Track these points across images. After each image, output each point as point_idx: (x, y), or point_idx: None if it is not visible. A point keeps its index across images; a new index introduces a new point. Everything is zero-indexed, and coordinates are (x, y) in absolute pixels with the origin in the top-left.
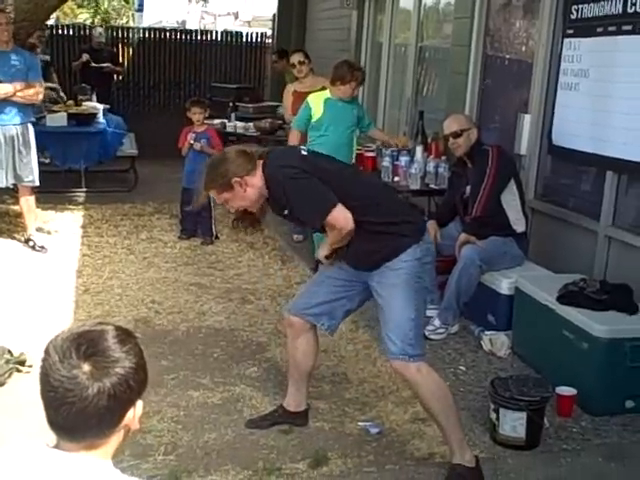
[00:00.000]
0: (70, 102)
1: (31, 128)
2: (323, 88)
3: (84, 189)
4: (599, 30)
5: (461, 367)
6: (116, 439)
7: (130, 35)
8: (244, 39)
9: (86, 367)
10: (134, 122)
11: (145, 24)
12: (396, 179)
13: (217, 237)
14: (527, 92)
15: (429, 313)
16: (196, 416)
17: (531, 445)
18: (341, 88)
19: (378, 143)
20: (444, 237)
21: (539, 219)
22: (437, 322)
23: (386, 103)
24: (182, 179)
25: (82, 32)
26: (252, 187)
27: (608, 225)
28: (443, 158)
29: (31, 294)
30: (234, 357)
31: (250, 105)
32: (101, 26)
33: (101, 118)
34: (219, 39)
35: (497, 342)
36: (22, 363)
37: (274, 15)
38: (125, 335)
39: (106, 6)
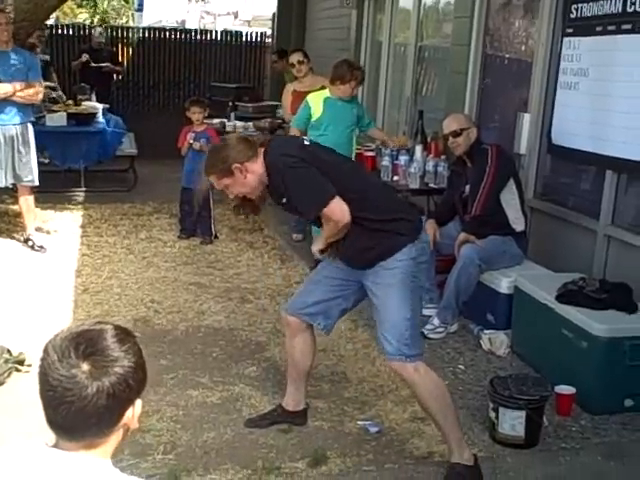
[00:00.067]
0: (69, 102)
1: (31, 128)
2: (322, 87)
3: (83, 189)
4: (599, 29)
5: (460, 366)
6: (115, 438)
7: (130, 35)
8: (244, 39)
9: (85, 366)
10: (133, 122)
11: (145, 24)
12: (395, 178)
13: (216, 237)
14: (527, 91)
15: (428, 312)
16: (195, 415)
17: (530, 444)
18: (341, 87)
19: (377, 142)
20: (443, 236)
21: (538, 218)
22: (436, 321)
23: (385, 102)
24: (181, 179)
25: (82, 32)
26: (252, 174)
27: (607, 224)
28: (442, 157)
29: (30, 294)
30: (233, 356)
31: (249, 105)
32: (100, 26)
33: (100, 118)
34: (219, 39)
35: (496, 341)
36: (21, 362)
37: (274, 15)
38: (124, 334)
39: (105, 6)
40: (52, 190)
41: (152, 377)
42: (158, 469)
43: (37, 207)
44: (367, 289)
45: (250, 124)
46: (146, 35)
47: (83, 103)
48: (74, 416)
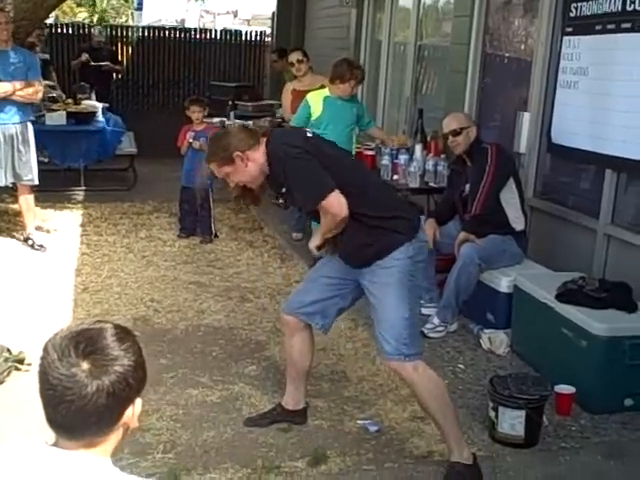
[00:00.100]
0: (69, 101)
1: (30, 127)
2: (322, 86)
3: (83, 188)
4: (598, 28)
5: (460, 365)
6: (115, 437)
7: (129, 34)
8: (243, 38)
9: (85, 365)
10: (133, 121)
11: (144, 23)
12: (395, 177)
13: (216, 235)
14: (526, 90)
15: (428, 311)
16: (195, 414)
17: (530, 443)
18: (340, 86)
19: (377, 141)
20: (443, 235)
21: (538, 217)
22: (436, 320)
23: (385, 101)
24: (181, 178)
25: (81, 31)
26: (254, 162)
27: (607, 223)
28: (442, 156)
29: (30, 293)
30: (233, 355)
31: (249, 104)
32: (100, 25)
33: (100, 117)
34: (218, 38)
35: (496, 340)
36: (21, 361)
37: (273, 13)
38: (124, 333)
39: (105, 5)
40: (52, 189)
41: (152, 376)
42: (158, 468)
43: (37, 206)
44: (364, 288)
45: (250, 123)
46: (146, 34)
47: (83, 102)
48: (74, 415)
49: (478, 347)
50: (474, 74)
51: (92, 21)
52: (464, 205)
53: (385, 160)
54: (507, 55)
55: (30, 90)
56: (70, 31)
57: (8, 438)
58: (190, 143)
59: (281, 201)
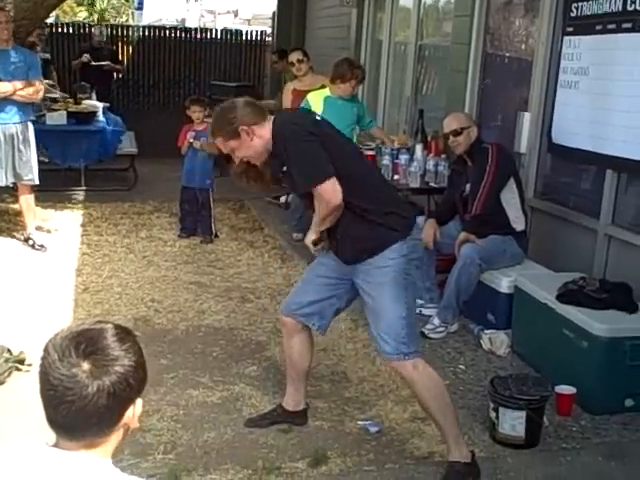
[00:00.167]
0: (70, 100)
1: (31, 126)
2: (322, 86)
3: (84, 187)
4: (599, 28)
5: (460, 366)
6: (116, 438)
7: (130, 33)
8: (244, 37)
9: (85, 365)
10: (134, 120)
11: (145, 22)
12: (396, 177)
13: (217, 236)
14: (527, 90)
15: (428, 312)
16: (195, 415)
17: (531, 444)
18: (341, 86)
19: (378, 141)
20: (444, 236)
21: (539, 217)
22: (436, 321)
23: (386, 101)
24: (182, 178)
25: (82, 30)
26: (259, 138)
27: (608, 223)
28: (443, 156)
29: (30, 293)
30: (233, 356)
31: None
32: (100, 24)
33: (101, 116)
34: (219, 37)
35: (497, 341)
36: (21, 362)
37: (274, 13)
38: (124, 333)
39: (105, 5)
40: (52, 189)
41: (152, 376)
42: (158, 469)
43: (37, 206)
44: (359, 288)
45: None
46: (146, 34)
47: (83, 102)
48: (74, 415)
49: (479, 348)
50: (475, 74)
51: (93, 20)
52: (464, 205)
53: (386, 160)
54: (508, 55)
55: (31, 90)
56: (71, 31)
57: (9, 439)
58: (191, 143)
59: (281, 201)
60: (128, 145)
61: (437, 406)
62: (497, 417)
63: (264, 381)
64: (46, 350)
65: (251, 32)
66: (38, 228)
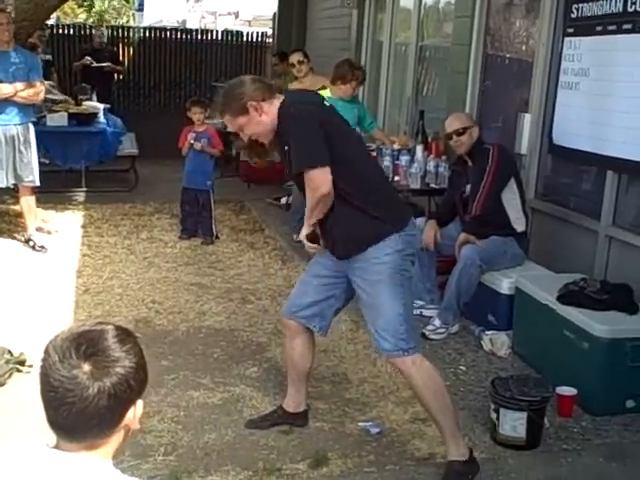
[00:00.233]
0: (70, 101)
1: (32, 128)
2: (323, 87)
3: (84, 189)
4: (599, 29)
5: (461, 367)
6: (116, 439)
7: (130, 35)
8: (244, 38)
9: (86, 367)
10: (134, 122)
11: (145, 23)
12: (396, 178)
13: (217, 237)
14: (527, 91)
15: (429, 313)
16: (196, 416)
17: (531, 445)
18: (342, 87)
19: (378, 142)
20: (444, 237)
21: (539, 218)
22: (437, 322)
23: (386, 102)
24: (182, 179)
25: (82, 32)
26: (267, 114)
27: (608, 225)
28: (443, 157)
29: (31, 294)
30: (234, 357)
31: None
32: (101, 26)
33: (102, 118)
34: (219, 38)
35: (497, 342)
36: (22, 363)
37: (274, 14)
38: (125, 335)
39: (106, 6)
40: (53, 190)
41: (153, 378)
42: (159, 470)
43: (38, 207)
44: (355, 285)
45: None
46: (147, 35)
47: (84, 103)
48: (75, 417)
49: (479, 349)
50: (475, 75)
51: (93, 22)
52: (465, 206)
53: (386, 161)
54: (508, 56)
55: (31, 91)
56: (71, 32)
57: (9, 440)
58: (191, 144)
59: (282, 203)
60: (129, 146)
61: (437, 405)
62: (498, 418)
63: (265, 382)
64: (47, 351)
65: (252, 33)
66: (39, 229)
